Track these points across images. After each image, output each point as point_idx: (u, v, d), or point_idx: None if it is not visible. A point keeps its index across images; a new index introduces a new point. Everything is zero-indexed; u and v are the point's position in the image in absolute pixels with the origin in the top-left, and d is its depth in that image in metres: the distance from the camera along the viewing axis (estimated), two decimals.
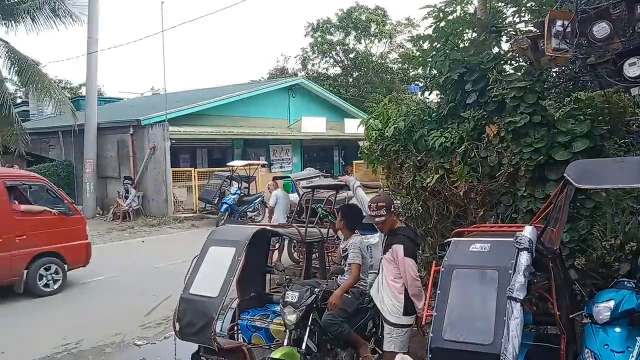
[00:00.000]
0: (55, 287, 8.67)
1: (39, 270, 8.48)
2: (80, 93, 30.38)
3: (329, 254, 6.50)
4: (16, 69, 18.30)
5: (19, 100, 28.95)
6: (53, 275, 8.67)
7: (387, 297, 4.32)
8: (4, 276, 8.18)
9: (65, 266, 8.88)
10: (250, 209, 15.82)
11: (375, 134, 6.10)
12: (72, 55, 50.76)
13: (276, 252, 8.81)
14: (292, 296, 4.51)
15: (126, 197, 17.15)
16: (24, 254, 8.30)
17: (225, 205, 15.15)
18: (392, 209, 4.47)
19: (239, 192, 15.68)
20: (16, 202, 8.63)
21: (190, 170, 18.18)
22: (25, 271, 8.30)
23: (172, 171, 17.37)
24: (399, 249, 4.23)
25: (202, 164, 21.15)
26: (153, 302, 7.87)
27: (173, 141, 17.23)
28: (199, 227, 15.77)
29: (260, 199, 15.96)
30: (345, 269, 4.92)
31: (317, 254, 6.04)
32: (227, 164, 17.62)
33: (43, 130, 21.80)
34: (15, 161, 18.87)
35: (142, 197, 17.53)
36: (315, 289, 4.68)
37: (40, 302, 8.18)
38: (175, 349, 6.03)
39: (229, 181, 16.24)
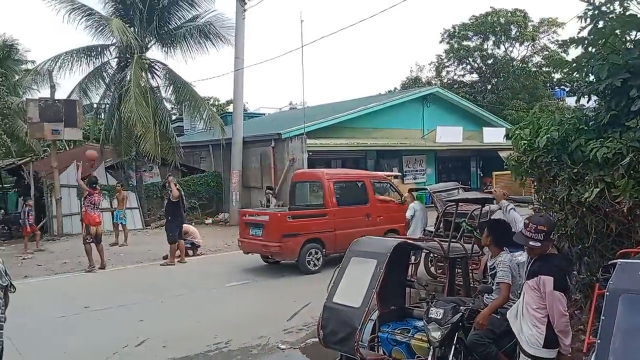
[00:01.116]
0: None
1: None
2: (227, 109, 32.84)
3: (472, 271, 6.25)
4: (173, 89, 20.44)
5: (174, 117, 32.12)
6: None
7: (526, 326, 3.97)
8: None
9: None
10: None
11: (524, 144, 5.76)
12: (218, 73, 55.15)
13: (411, 265, 8.68)
14: (436, 313, 4.41)
15: (267, 206, 18.10)
16: (381, 229, 11.16)
17: None
18: (552, 237, 4.09)
19: None
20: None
21: None
22: None
23: None
24: (547, 281, 3.82)
25: None
26: (293, 307, 8.19)
27: (310, 153, 17.87)
28: None
29: None
30: (494, 287, 4.71)
31: (460, 270, 5.84)
32: None
33: (195, 144, 23.96)
34: (171, 172, 20.94)
35: (281, 206, 18.38)
36: (461, 307, 4.53)
37: (197, 299, 8.96)
38: (314, 356, 6.24)
39: None
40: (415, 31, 71.35)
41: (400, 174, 21.66)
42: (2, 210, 21.09)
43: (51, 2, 18.19)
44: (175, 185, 12.26)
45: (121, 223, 15.67)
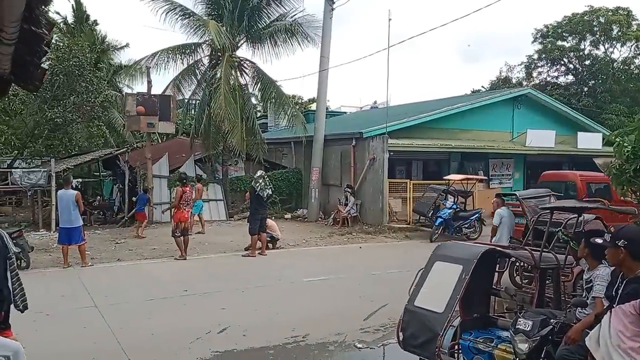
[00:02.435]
0: None
1: None
2: (310, 107, 33.29)
3: (563, 283, 5.90)
4: (260, 86, 21.00)
5: (258, 114, 33.02)
6: None
7: (617, 355, 3.49)
8: None
9: None
10: (466, 225, 15.33)
11: (628, 151, 5.35)
12: (302, 71, 56.07)
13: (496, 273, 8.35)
14: (525, 324, 4.21)
15: (346, 205, 18.17)
16: None
17: (439, 219, 14.98)
18: (632, 248, 3.53)
19: (454, 206, 15.36)
20: None
21: (406, 182, 18.43)
22: None
23: (389, 182, 17.82)
24: None
25: (417, 176, 21.25)
26: (371, 308, 8.14)
27: (391, 153, 17.68)
28: (412, 238, 15.88)
29: (477, 215, 15.37)
30: (589, 302, 4.42)
31: (550, 281, 5.53)
32: (444, 177, 17.41)
33: (277, 141, 24.48)
34: (255, 167, 21.55)
35: (359, 205, 18.39)
36: (551, 320, 4.30)
37: (276, 291, 9.15)
38: (391, 358, 6.16)
39: (444, 195, 16.01)
40: (504, 30, 68.67)
41: (485, 177, 20.87)
42: (99, 197, 22.65)
43: (151, 2, 19.27)
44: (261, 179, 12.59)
45: (198, 213, 16.41)
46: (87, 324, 7.33)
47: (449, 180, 16.46)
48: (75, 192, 11.11)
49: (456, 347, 5.12)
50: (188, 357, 6.14)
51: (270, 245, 13.39)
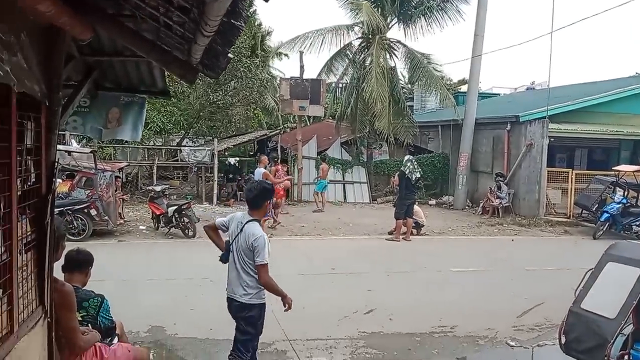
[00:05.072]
0: None
1: None
2: (459, 89, 32.07)
3: None
4: (409, 67, 20.65)
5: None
6: None
7: None
8: None
9: None
10: (637, 223, 13.68)
11: None
12: (451, 49, 53.92)
13: None
14: None
15: (497, 193, 17.26)
16: None
17: (606, 215, 13.57)
18: None
19: (624, 201, 13.76)
20: None
21: (567, 172, 16.89)
22: None
23: (547, 171, 16.52)
24: None
25: (581, 166, 19.42)
26: (525, 305, 7.67)
27: (551, 139, 16.34)
28: (572, 234, 14.62)
29: None
30: None
31: None
32: (613, 167, 15.67)
33: (424, 124, 23.94)
34: (400, 150, 21.42)
35: (512, 195, 17.36)
36: None
37: (421, 278, 9.07)
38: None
39: (612, 187, 14.43)
40: None
41: None
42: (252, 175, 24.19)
43: None
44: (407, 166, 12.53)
45: (320, 192, 17.23)
46: None
47: (619, 171, 14.76)
48: (263, 170, 12.23)
49: (626, 357, 4.63)
50: (337, 334, 6.37)
51: (414, 231, 13.25)
